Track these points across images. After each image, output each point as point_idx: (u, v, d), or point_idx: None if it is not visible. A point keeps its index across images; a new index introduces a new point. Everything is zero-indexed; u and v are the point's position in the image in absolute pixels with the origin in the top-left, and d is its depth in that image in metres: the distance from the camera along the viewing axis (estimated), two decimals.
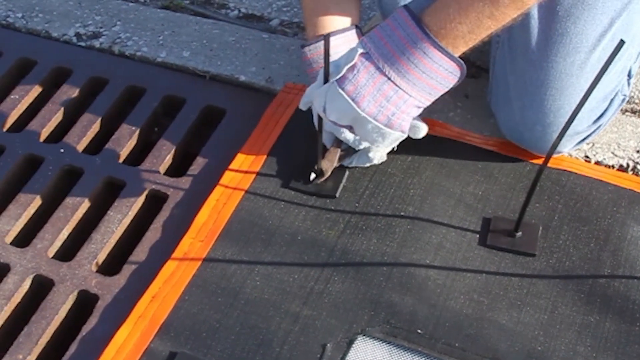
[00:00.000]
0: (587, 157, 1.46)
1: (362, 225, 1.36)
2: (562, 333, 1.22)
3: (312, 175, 1.39)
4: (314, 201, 1.39)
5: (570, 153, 1.46)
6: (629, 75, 1.42)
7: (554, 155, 1.36)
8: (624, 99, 1.43)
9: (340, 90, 1.23)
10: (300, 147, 1.48)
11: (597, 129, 1.42)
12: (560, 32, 1.32)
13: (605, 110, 1.41)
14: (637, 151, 1.47)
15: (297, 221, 1.37)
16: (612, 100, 1.41)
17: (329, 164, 1.38)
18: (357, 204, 1.39)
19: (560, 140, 1.15)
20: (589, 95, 1.08)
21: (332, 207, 1.38)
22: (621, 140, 1.48)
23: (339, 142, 1.40)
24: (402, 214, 1.37)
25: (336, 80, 1.23)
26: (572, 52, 1.32)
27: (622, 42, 1.04)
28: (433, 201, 1.39)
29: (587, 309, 1.24)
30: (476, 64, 1.66)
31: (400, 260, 1.31)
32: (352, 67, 1.22)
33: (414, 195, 1.39)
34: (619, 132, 1.50)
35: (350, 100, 1.23)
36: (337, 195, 1.40)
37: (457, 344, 1.20)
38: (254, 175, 1.44)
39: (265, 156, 1.47)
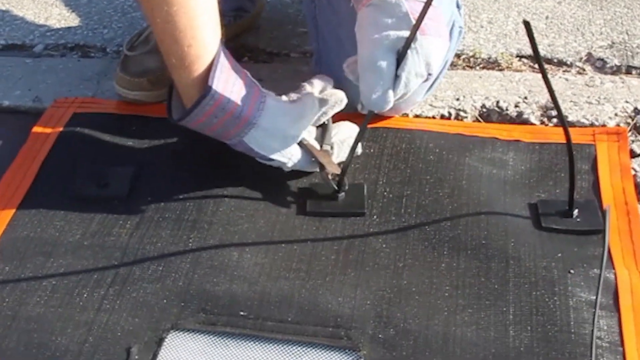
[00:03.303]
0: (405, 114, 1.31)
1: (158, 217, 1.16)
2: (410, 287, 1.03)
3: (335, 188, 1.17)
4: (100, 204, 1.19)
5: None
6: (458, 7, 1.29)
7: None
8: (460, 31, 1.30)
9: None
10: (77, 154, 1.30)
11: (444, 66, 1.29)
12: None
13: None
14: (457, 99, 1.33)
15: (81, 227, 1.16)
16: (450, 33, 1.27)
17: (333, 165, 1.17)
18: (149, 197, 1.19)
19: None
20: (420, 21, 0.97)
21: (122, 207, 1.19)
22: (437, 92, 1.35)
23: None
24: (201, 196, 1.18)
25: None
26: None
27: None
28: (242, 176, 1.21)
29: (435, 256, 1.07)
30: (267, 51, 1.56)
31: (208, 244, 1.11)
32: None
33: (204, 177, 1.23)
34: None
35: None
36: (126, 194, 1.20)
37: (289, 319, 1.00)
38: (25, 191, 1.23)
39: (37, 170, 1.27)
